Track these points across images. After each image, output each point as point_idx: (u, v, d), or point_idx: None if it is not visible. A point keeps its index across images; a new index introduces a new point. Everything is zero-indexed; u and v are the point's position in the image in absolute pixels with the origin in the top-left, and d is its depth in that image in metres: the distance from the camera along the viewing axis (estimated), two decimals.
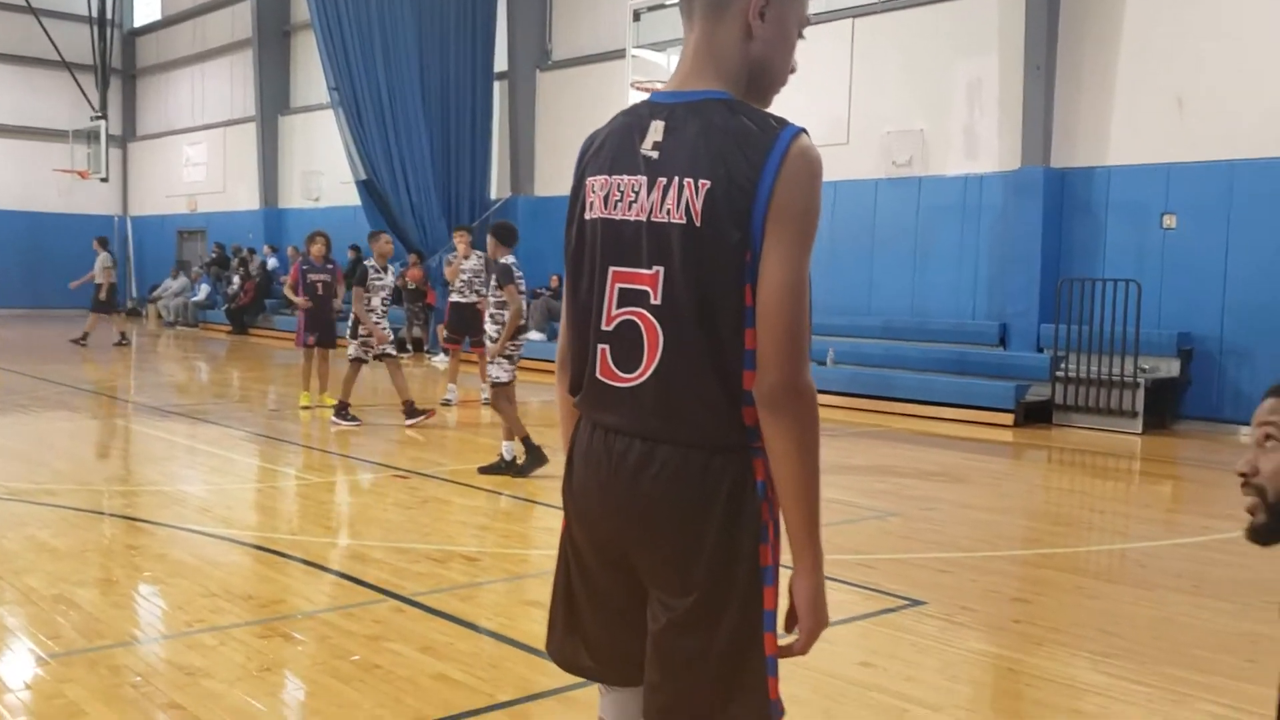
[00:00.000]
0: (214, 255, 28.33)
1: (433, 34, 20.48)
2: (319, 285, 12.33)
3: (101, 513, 7.16)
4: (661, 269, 1.91)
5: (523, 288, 8.80)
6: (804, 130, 1.90)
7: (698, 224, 1.87)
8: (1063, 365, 12.66)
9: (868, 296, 15.56)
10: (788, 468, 1.90)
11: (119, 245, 33.38)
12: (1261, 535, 2.04)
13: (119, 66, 32.10)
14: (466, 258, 12.38)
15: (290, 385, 13.90)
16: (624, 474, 1.99)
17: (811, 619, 1.98)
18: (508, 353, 8.60)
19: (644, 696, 2.05)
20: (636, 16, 13.83)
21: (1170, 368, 12.37)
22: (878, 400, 13.52)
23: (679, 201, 1.88)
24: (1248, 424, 8.91)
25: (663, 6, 13.78)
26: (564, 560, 2.20)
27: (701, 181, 1.86)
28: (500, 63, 21.12)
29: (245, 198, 28.48)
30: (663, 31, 13.71)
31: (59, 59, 27.36)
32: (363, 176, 20.46)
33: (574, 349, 2.11)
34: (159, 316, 28.56)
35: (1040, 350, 13.41)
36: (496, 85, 21.32)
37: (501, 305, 8.72)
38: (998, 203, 14.11)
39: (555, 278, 19.51)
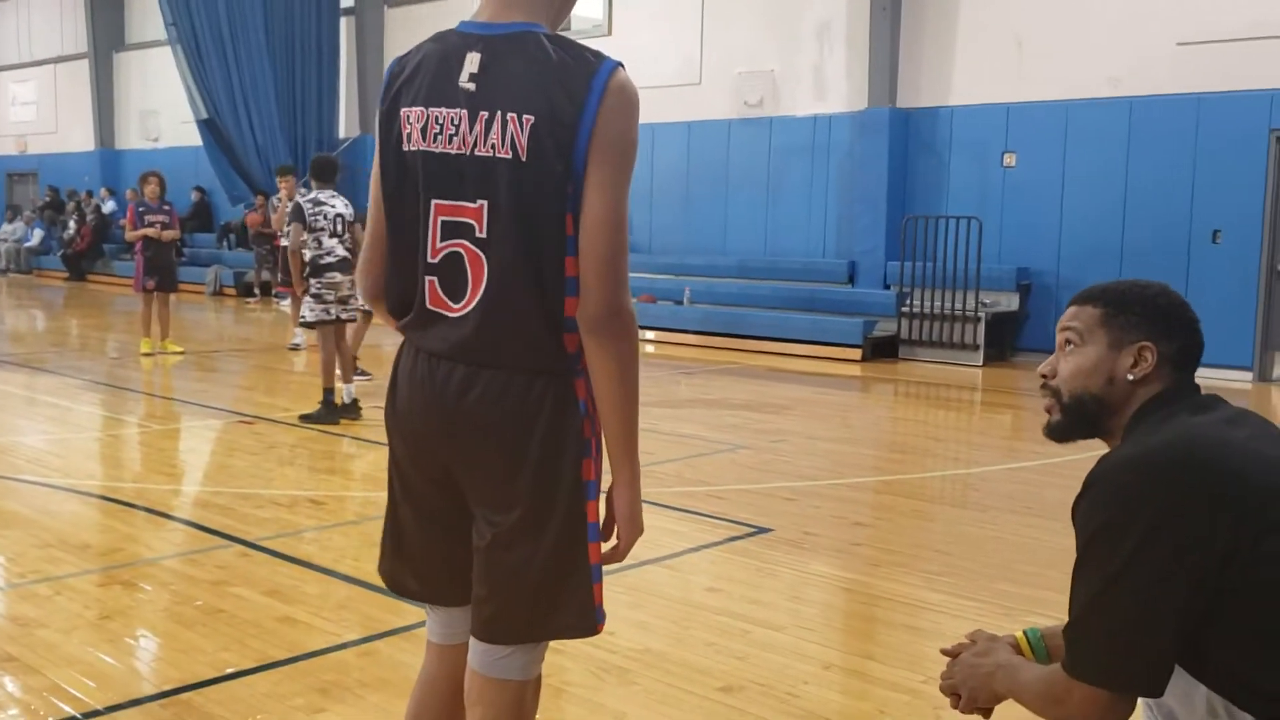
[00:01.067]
0: (47, 199, 26.98)
1: None
2: (156, 226, 11.90)
3: None
4: (485, 202, 1.94)
5: (320, 224, 8.38)
6: (621, 64, 1.95)
7: (523, 158, 1.90)
8: (908, 301, 13.04)
9: (723, 236, 15.74)
10: (609, 387, 1.98)
11: None
12: (1057, 432, 2.16)
13: None
14: (291, 199, 12.17)
15: (131, 332, 13.40)
16: (448, 396, 2.02)
17: (629, 527, 2.09)
18: (315, 291, 8.37)
19: (472, 611, 2.09)
20: None
21: (1010, 302, 12.86)
22: (732, 338, 13.74)
23: (503, 136, 1.90)
24: None
25: None
26: (390, 484, 2.21)
27: (525, 116, 1.89)
28: None
29: (79, 139, 27.12)
30: None
31: None
32: (204, 115, 19.71)
33: (398, 280, 2.10)
34: None
35: (887, 287, 13.79)
36: (344, 21, 20.70)
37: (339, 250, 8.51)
38: (846, 142, 14.37)
39: None
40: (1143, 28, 11.94)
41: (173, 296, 12.34)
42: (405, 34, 20.00)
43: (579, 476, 2.03)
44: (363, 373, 9.92)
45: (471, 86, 1.94)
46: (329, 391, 8.35)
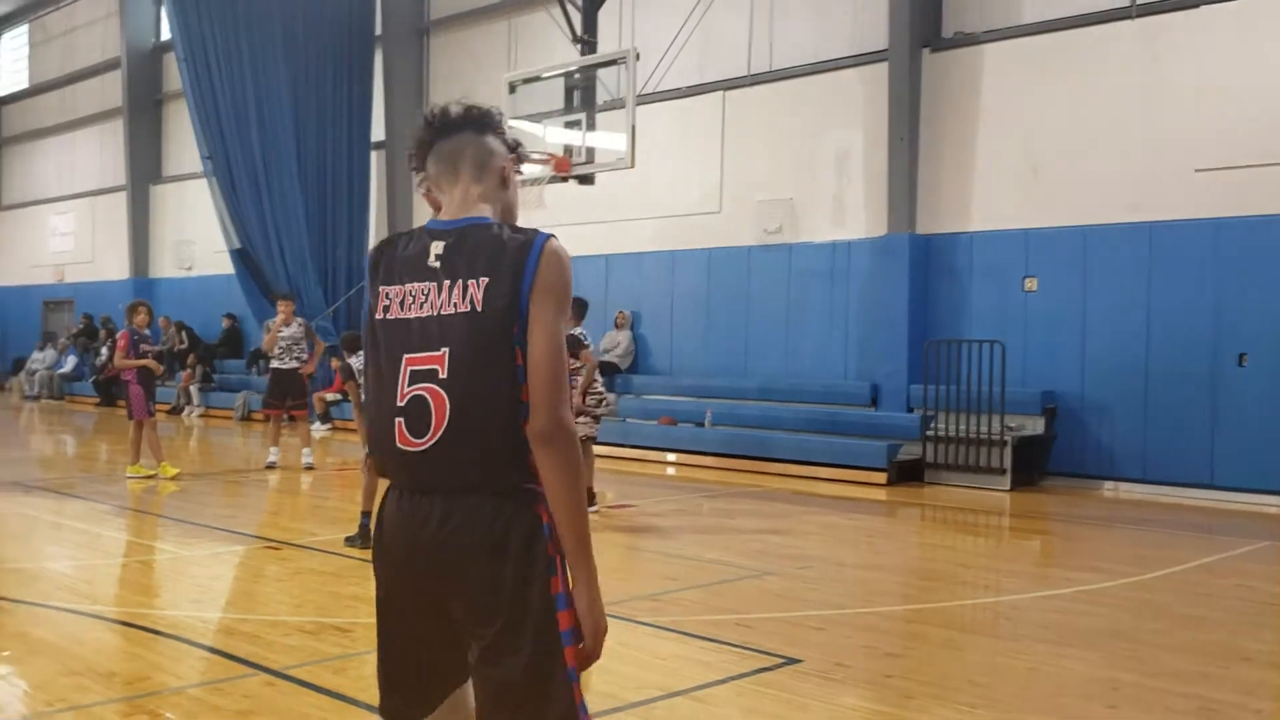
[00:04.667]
0: (81, 326, 27.49)
1: (309, 104, 20.38)
2: (149, 355, 12.25)
3: None
4: (447, 349, 2.37)
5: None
6: (553, 235, 2.42)
7: (479, 309, 2.36)
8: (932, 425, 13.02)
9: (744, 359, 15.85)
10: (560, 491, 2.33)
11: None
12: None
13: None
14: (287, 324, 12.95)
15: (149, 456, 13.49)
16: (430, 528, 2.36)
17: (591, 624, 2.36)
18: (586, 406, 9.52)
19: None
20: (512, 89, 13.94)
21: (1035, 425, 12.81)
22: (755, 461, 13.72)
23: (464, 295, 2.38)
24: (1111, 479, 9.39)
25: (538, 79, 13.97)
26: (382, 620, 2.51)
27: (481, 279, 2.37)
28: (378, 132, 21.10)
29: (115, 267, 27.75)
30: (538, 104, 13.86)
31: None
32: (236, 245, 20.15)
33: (378, 424, 2.47)
34: (22, 390, 27.53)
35: (910, 410, 13.78)
36: (375, 154, 21.28)
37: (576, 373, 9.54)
38: (866, 268, 14.55)
39: None
40: (1160, 155, 12.14)
41: (200, 420, 12.56)
42: None
43: (548, 592, 2.33)
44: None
45: (437, 265, 2.44)
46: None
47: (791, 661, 5.45)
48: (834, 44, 14.97)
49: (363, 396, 8.57)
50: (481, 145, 2.59)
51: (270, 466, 13.06)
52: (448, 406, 2.34)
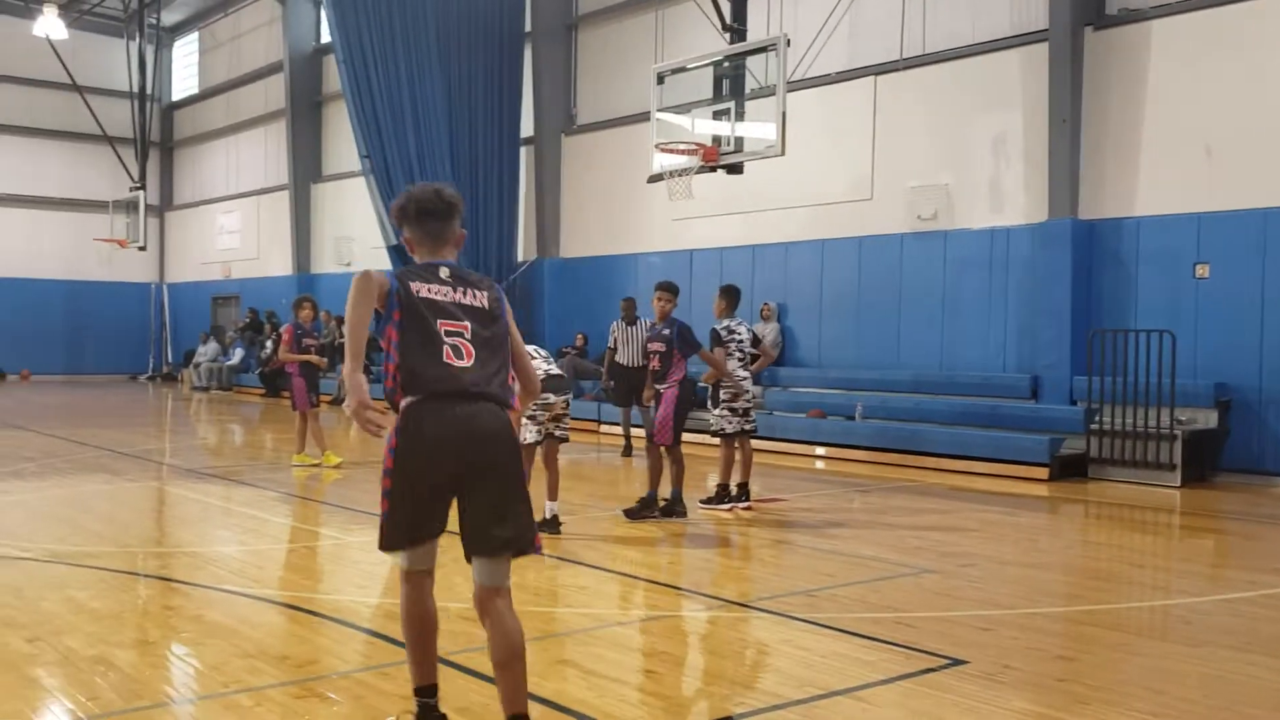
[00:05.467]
0: (247, 320, 28.65)
1: (461, 102, 20.77)
2: (311, 349, 12.66)
3: (138, 574, 7.18)
4: (468, 321, 3.89)
5: (732, 349, 9.88)
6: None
7: (487, 307, 3.96)
8: (1097, 418, 12.53)
9: (895, 350, 15.54)
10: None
11: (155, 312, 33.87)
12: None
13: (157, 139, 32.74)
14: None
15: (309, 446, 13.92)
16: (470, 418, 3.79)
17: None
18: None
19: (484, 544, 3.94)
20: (660, 80, 13.94)
21: (1208, 419, 12.22)
22: (908, 455, 13.43)
23: (475, 298, 3.94)
24: None
25: (684, 70, 13.92)
26: (404, 493, 3.93)
27: (484, 292, 3.98)
28: (527, 128, 21.39)
29: (278, 264, 28.83)
30: (684, 94, 13.82)
31: (101, 133, 28.00)
32: (394, 242, 20.63)
33: (425, 361, 3.81)
34: (192, 381, 28.86)
35: (1073, 403, 13.30)
36: (523, 150, 21.58)
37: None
38: (1025, 255, 14.09)
39: (581, 335, 19.60)
40: None
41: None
42: (581, 159, 20.70)
43: (521, 465, 4.01)
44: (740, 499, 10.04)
45: (449, 278, 3.94)
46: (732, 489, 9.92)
47: (957, 663, 5.28)
48: (990, 24, 14.54)
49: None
50: (457, 226, 4.07)
51: None
52: (475, 350, 3.84)
